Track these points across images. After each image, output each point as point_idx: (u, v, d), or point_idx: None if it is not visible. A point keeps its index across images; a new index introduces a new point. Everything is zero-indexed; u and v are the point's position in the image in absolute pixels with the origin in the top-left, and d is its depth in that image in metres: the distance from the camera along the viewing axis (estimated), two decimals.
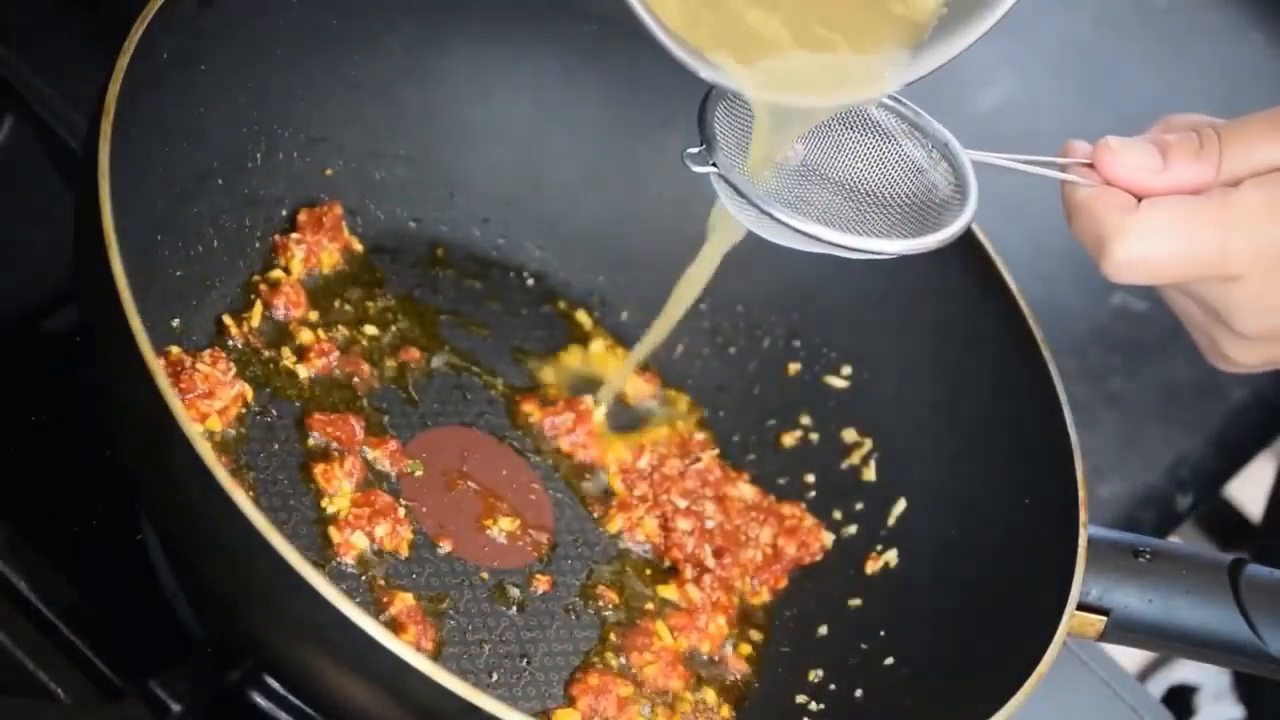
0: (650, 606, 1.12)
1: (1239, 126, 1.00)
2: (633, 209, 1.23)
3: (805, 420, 1.22)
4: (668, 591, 1.12)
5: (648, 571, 1.14)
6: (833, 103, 1.01)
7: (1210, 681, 1.90)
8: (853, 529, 1.18)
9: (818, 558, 1.17)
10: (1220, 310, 1.02)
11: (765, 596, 1.15)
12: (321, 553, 1.05)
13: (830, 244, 1.00)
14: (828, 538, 1.17)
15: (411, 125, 1.20)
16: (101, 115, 0.95)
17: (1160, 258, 0.99)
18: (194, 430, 0.88)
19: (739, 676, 1.12)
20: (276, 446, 1.08)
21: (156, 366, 0.89)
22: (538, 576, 1.11)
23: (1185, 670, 1.91)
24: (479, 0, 1.19)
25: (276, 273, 1.14)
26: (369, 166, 1.19)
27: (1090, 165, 1.00)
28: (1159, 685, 1.91)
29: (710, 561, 1.13)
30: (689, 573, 1.13)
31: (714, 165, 1.01)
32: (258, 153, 1.13)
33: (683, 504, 1.15)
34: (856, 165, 1.04)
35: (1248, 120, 1.00)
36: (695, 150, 1.01)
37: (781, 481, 1.20)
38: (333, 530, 1.06)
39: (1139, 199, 0.99)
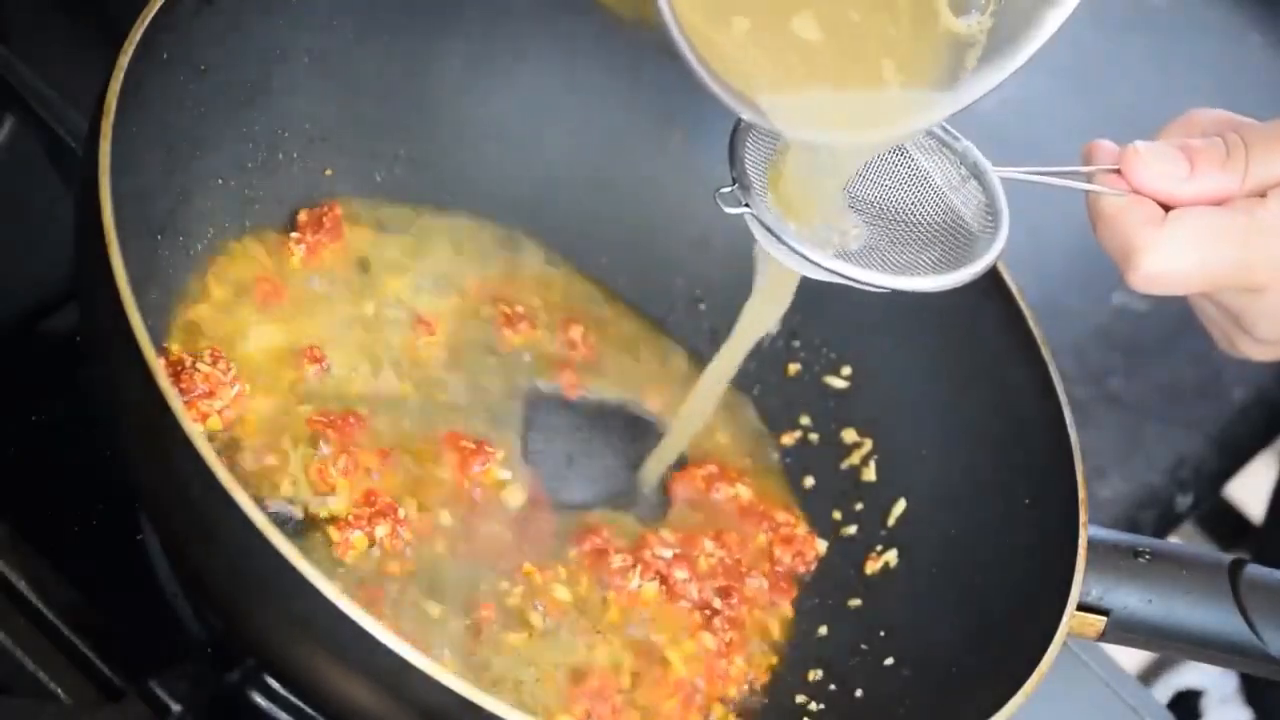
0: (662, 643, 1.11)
1: (1265, 133, 1.00)
2: (634, 208, 1.23)
3: (805, 420, 1.22)
4: (682, 650, 1.11)
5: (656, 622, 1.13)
6: (878, 138, 1.01)
7: (1217, 685, 1.90)
8: (853, 529, 1.18)
9: (812, 567, 1.16)
10: (1240, 316, 1.03)
11: (788, 612, 1.14)
12: (321, 552, 1.05)
13: (871, 285, 1.00)
14: (821, 545, 1.17)
15: (411, 125, 1.20)
16: (101, 115, 0.95)
17: (1187, 272, 0.99)
18: (194, 430, 0.88)
19: (741, 683, 1.12)
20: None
21: (157, 366, 0.89)
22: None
23: (1192, 674, 1.91)
24: (479, 0, 1.19)
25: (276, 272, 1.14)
26: (369, 166, 1.19)
27: (1116, 171, 1.00)
28: (1165, 689, 1.91)
29: (717, 603, 1.12)
30: (698, 616, 1.12)
31: (747, 206, 1.00)
32: (258, 153, 1.13)
33: (668, 554, 1.13)
34: (886, 184, 1.04)
35: (1273, 126, 1.01)
36: (727, 189, 1.01)
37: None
38: (333, 530, 1.06)
39: (1164, 207, 1.00)
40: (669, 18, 0.89)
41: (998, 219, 1.02)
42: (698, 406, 1.15)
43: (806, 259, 0.99)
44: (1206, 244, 0.99)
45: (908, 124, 0.99)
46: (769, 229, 0.99)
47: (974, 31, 0.97)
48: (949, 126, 1.03)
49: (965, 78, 0.97)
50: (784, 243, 0.99)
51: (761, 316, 1.09)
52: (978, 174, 1.03)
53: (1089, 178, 1.01)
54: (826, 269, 0.99)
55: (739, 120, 1.01)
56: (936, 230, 1.03)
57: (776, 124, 0.96)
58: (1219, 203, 0.99)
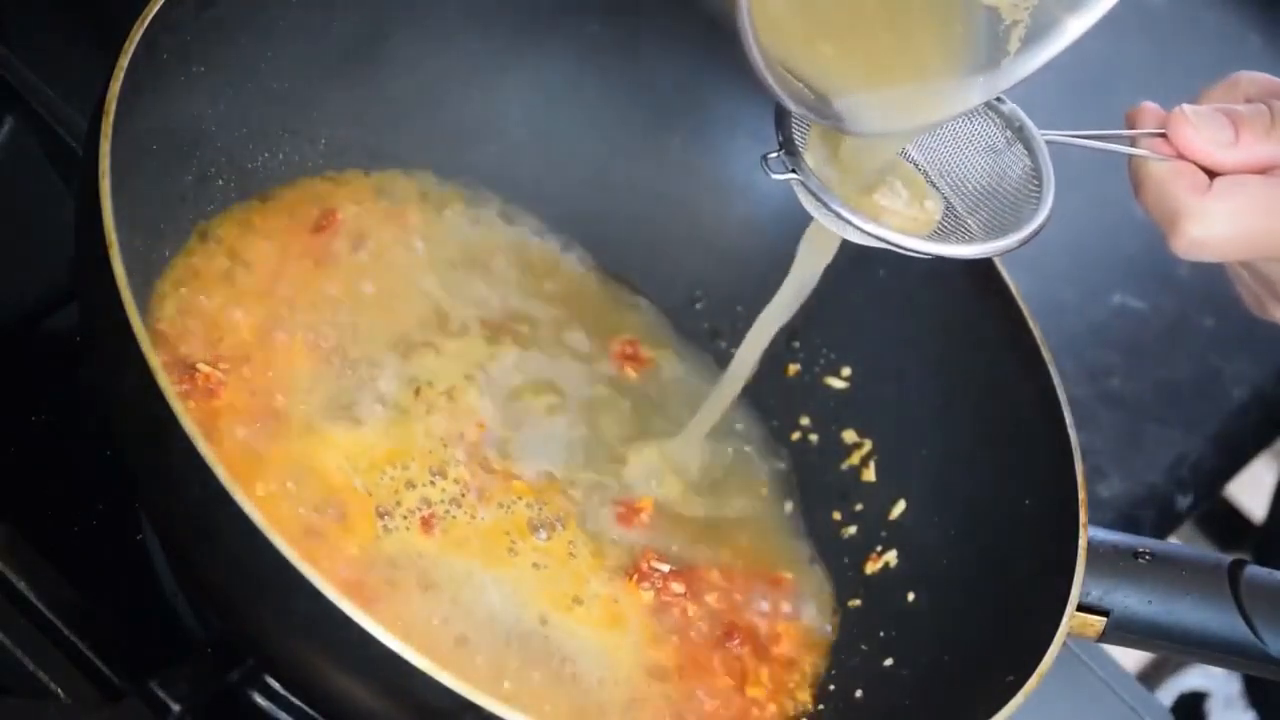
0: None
1: None
2: (633, 209, 1.23)
3: (805, 421, 1.22)
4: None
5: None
6: (929, 121, 1.01)
7: (1220, 687, 1.90)
8: (853, 529, 1.18)
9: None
10: (1275, 283, 1.04)
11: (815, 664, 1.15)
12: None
13: (913, 250, 1.00)
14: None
15: (412, 127, 1.20)
16: (101, 115, 0.95)
17: (1230, 240, 1.00)
18: (194, 430, 0.88)
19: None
20: None
21: (157, 366, 0.89)
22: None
23: (1196, 677, 1.91)
24: (479, 1, 1.19)
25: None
26: (369, 167, 1.19)
27: (1160, 135, 1.01)
28: (1169, 692, 1.91)
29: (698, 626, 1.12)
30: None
31: (793, 171, 0.99)
32: (259, 153, 1.13)
33: (665, 568, 1.12)
34: (929, 146, 1.04)
35: None
36: (774, 155, 1.00)
37: None
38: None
39: (1208, 173, 1.00)
40: (744, 12, 0.88)
41: (1043, 184, 1.01)
42: (731, 383, 1.15)
43: (850, 223, 0.99)
44: (1252, 214, 0.99)
45: (958, 105, 0.99)
46: (818, 196, 0.99)
47: (1018, 7, 0.98)
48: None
49: (1011, 55, 0.98)
50: (829, 207, 0.99)
51: (803, 282, 1.09)
52: (1024, 138, 1.03)
53: (1132, 141, 1.01)
54: (869, 234, 0.99)
55: None
56: (980, 195, 1.03)
57: (844, 120, 0.96)
58: (1261, 171, 1.00)
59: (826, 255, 1.07)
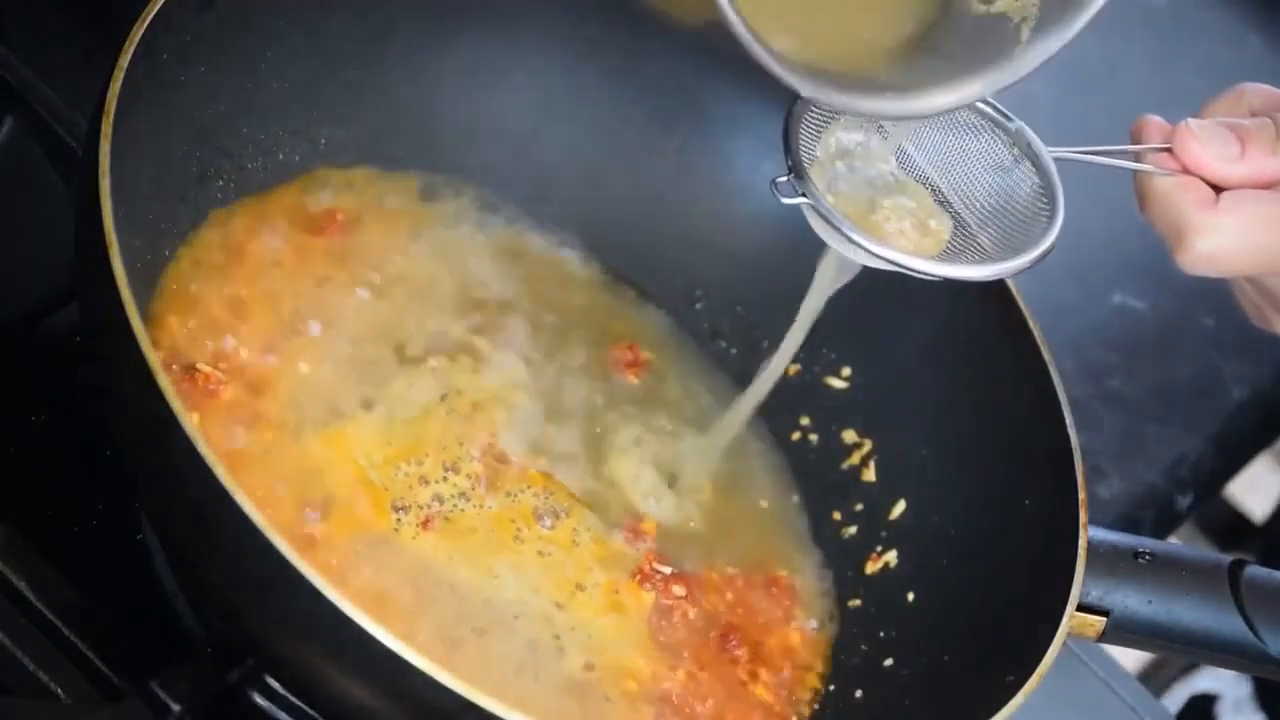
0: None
1: None
2: (633, 210, 1.24)
3: (805, 421, 1.22)
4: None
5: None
6: (934, 108, 1.01)
7: (1230, 690, 1.90)
8: (853, 529, 1.18)
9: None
10: (1277, 296, 1.04)
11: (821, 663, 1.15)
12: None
13: (925, 274, 1.00)
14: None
15: (411, 127, 1.20)
16: (101, 115, 0.95)
17: (1238, 255, 0.99)
18: (194, 430, 0.88)
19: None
20: None
21: (157, 366, 0.89)
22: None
23: (1205, 679, 1.91)
24: (479, 1, 1.19)
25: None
26: (369, 167, 1.19)
27: (1165, 149, 1.01)
28: (1178, 694, 1.91)
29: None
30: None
31: (803, 195, 0.99)
32: (258, 154, 1.13)
33: (666, 570, 1.13)
34: (937, 165, 1.04)
35: None
36: (783, 179, 1.00)
37: None
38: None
39: (1214, 187, 1.00)
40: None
41: (1053, 201, 1.01)
42: (756, 391, 1.15)
43: (861, 246, 0.99)
44: (1259, 229, 0.99)
45: (964, 96, 0.99)
46: (828, 219, 0.99)
47: (1025, 3, 0.98)
48: (1001, 107, 1.03)
49: (1020, 47, 0.98)
50: (840, 231, 0.99)
51: (824, 291, 1.10)
52: (1031, 155, 1.03)
53: (1138, 156, 1.01)
54: (879, 256, 0.99)
55: (791, 108, 1.00)
56: (988, 214, 1.03)
57: (839, 102, 0.96)
58: (1267, 185, 1.00)
59: (848, 274, 1.07)
